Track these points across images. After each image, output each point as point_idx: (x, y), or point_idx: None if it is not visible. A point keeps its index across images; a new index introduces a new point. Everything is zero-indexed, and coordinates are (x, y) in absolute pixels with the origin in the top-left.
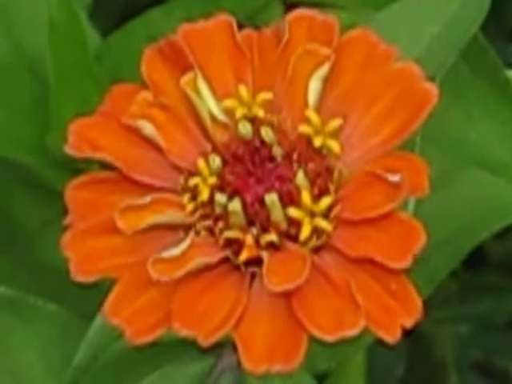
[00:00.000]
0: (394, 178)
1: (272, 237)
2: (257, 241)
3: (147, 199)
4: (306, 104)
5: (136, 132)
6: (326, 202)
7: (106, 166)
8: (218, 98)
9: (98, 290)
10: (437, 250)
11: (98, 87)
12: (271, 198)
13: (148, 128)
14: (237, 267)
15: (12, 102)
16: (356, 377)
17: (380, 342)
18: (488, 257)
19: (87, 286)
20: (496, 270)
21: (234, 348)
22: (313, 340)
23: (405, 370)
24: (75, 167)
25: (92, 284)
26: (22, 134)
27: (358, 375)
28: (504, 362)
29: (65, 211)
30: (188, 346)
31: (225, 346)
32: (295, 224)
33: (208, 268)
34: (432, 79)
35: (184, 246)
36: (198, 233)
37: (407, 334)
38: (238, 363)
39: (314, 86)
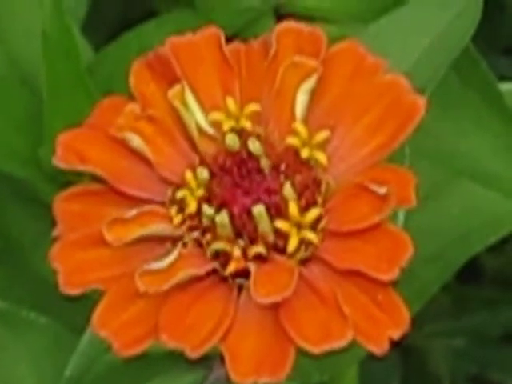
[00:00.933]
0: (381, 189)
1: (259, 249)
2: (244, 253)
3: (135, 212)
4: (293, 116)
5: (124, 144)
6: (313, 213)
7: (96, 178)
8: (206, 111)
9: (91, 303)
10: (428, 264)
11: (90, 100)
12: (258, 210)
13: (135, 140)
14: (224, 279)
15: (6, 114)
16: None
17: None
18: (482, 270)
19: (78, 299)
20: (490, 283)
21: (223, 360)
22: (302, 352)
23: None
24: (68, 180)
25: (82, 296)
26: (16, 146)
27: None
28: (499, 375)
29: (55, 224)
30: (179, 358)
31: (215, 358)
32: (283, 236)
33: (196, 280)
34: (422, 91)
35: (171, 257)
36: (185, 245)
37: (401, 347)
38: (228, 375)
39: (302, 98)
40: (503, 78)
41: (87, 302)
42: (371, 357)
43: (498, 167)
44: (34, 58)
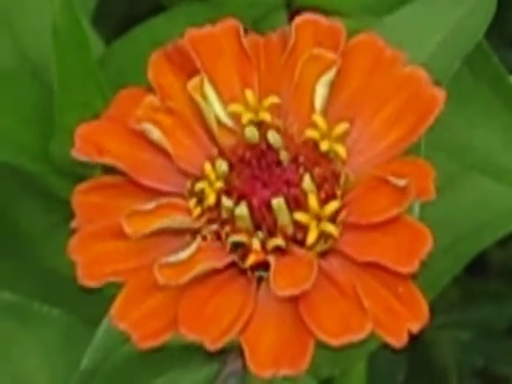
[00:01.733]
0: (401, 182)
1: (279, 241)
2: (263, 245)
3: (154, 204)
4: (312, 109)
5: (142, 136)
6: (332, 206)
7: (108, 171)
8: (225, 103)
9: (102, 296)
10: (440, 256)
11: (101, 93)
12: (278, 203)
13: (154, 132)
14: (243, 272)
15: (16, 108)
16: (358, 382)
17: (382, 348)
18: (490, 263)
19: (92, 292)
20: (498, 276)
21: (240, 353)
22: (319, 345)
23: (406, 376)
24: (78, 173)
25: (96, 289)
26: (26, 140)
27: (360, 381)
28: (505, 368)
29: (69, 217)
30: (194, 351)
31: (229, 352)
32: (302, 228)
33: (215, 272)
34: (437, 85)
35: (190, 250)
36: (204, 237)
37: (410, 339)
38: (243, 369)
39: (321, 91)
40: (511, 71)
41: (97, 295)
42: (378, 349)
43: (508, 161)
44: (45, 51)
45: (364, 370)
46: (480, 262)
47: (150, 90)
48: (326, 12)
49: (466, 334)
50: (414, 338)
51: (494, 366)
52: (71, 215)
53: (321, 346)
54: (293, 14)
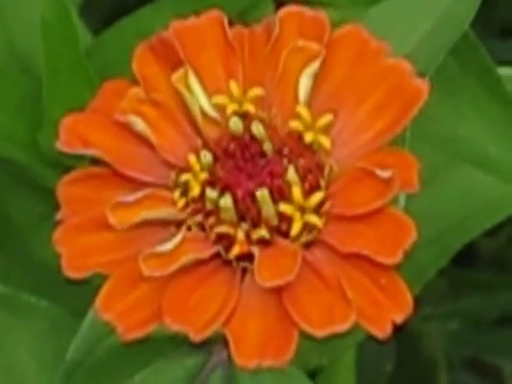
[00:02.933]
0: (385, 173)
1: (263, 232)
2: (248, 236)
3: (138, 195)
4: (296, 100)
5: (127, 128)
6: (316, 197)
7: (95, 162)
8: (209, 94)
9: (91, 287)
10: (426, 248)
11: (89, 85)
12: (262, 194)
13: (139, 124)
14: (228, 263)
15: (5, 100)
16: (346, 373)
17: (370, 339)
18: (478, 253)
19: (80, 283)
20: (486, 266)
21: (225, 344)
22: (304, 336)
23: (394, 367)
24: (67, 164)
25: (83, 280)
26: (15, 132)
27: (349, 371)
28: (494, 358)
29: (57, 208)
30: (180, 342)
31: (215, 342)
32: (286, 219)
33: (199, 263)
34: (423, 75)
35: (175, 241)
36: (189, 228)
37: (397, 330)
38: (229, 359)
39: (305, 82)
40: (499, 61)
41: (87, 286)
42: (366, 340)
43: (496, 152)
44: (33, 43)
45: (352, 361)
46: (468, 252)
47: (134, 81)
48: (312, 3)
49: (454, 325)
50: (402, 329)
51: (483, 356)
52: (58, 206)
53: (307, 336)
54: (280, 5)
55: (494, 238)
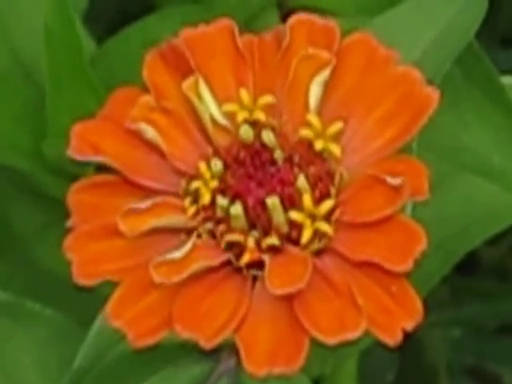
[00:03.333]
0: (395, 181)
1: (273, 240)
2: (258, 244)
3: (149, 202)
4: (306, 108)
5: (138, 135)
6: (327, 205)
7: (101, 170)
8: (220, 102)
9: (94, 296)
10: (430, 255)
11: (93, 93)
12: (272, 202)
13: (150, 132)
14: (238, 270)
15: (8, 108)
16: (348, 380)
17: (372, 346)
18: (480, 262)
19: (85, 291)
20: (488, 275)
21: (233, 351)
22: (314, 343)
23: (396, 374)
24: (71, 173)
25: (90, 288)
26: (18, 140)
27: (351, 379)
28: (495, 366)
29: (61, 216)
30: (188, 349)
31: (223, 350)
32: (296, 227)
33: (210, 271)
34: (431, 84)
35: (186, 249)
36: (199, 236)
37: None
38: (236, 367)
39: (315, 90)
40: (501, 71)
41: (90, 294)
42: (368, 348)
43: (499, 160)
44: (37, 51)
45: (354, 369)
46: (470, 260)
47: (144, 89)
48: (318, 12)
49: (456, 332)
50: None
51: (485, 364)
52: (64, 214)
53: (313, 343)
54: (285, 14)
55: (496, 246)
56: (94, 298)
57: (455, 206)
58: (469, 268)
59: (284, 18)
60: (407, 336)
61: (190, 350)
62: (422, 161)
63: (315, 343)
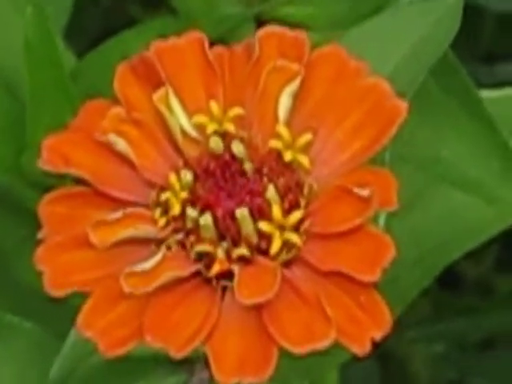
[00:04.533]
0: (364, 192)
1: (243, 251)
2: (228, 254)
3: (119, 214)
4: (276, 119)
5: (108, 147)
6: (296, 216)
7: (79, 182)
8: (190, 114)
9: (74, 309)
10: (408, 269)
11: (73, 107)
12: (242, 213)
13: (120, 143)
14: (208, 281)
15: None
16: None
17: (352, 362)
18: (462, 277)
19: (62, 302)
20: (470, 290)
21: (206, 363)
22: (286, 355)
23: None
24: (50, 186)
25: (65, 300)
26: None
27: None
28: (478, 381)
29: (39, 227)
30: (161, 362)
31: (196, 361)
32: (266, 238)
33: (180, 281)
34: (402, 96)
35: (156, 259)
36: (169, 247)
37: (381, 353)
38: (209, 379)
39: (285, 102)
40: (482, 85)
41: (70, 308)
42: (350, 363)
43: (477, 173)
44: (16, 65)
45: None
46: (453, 275)
47: (116, 101)
48: (293, 26)
49: (439, 348)
50: (386, 352)
51: (468, 379)
52: (40, 225)
53: (290, 357)
54: (260, 25)
55: (478, 261)
56: (72, 311)
57: (433, 220)
58: (452, 283)
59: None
60: (384, 350)
61: (163, 362)
62: (399, 174)
63: (291, 356)
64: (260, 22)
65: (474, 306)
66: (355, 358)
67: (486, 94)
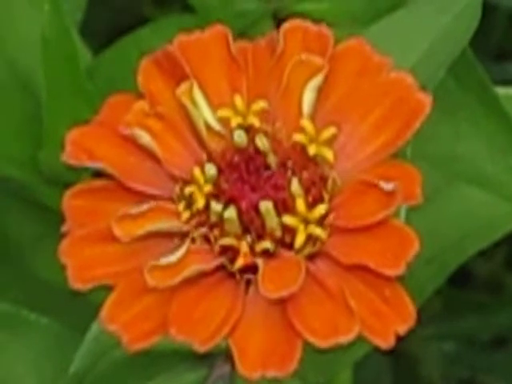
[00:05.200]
0: (388, 185)
1: (267, 244)
2: (252, 248)
3: (143, 207)
4: (300, 113)
5: (132, 141)
6: (320, 209)
7: (98, 177)
8: (214, 108)
9: (90, 305)
10: (423, 267)
11: (90, 103)
12: (266, 206)
13: (144, 137)
14: (232, 274)
15: (4, 118)
16: None
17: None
18: (474, 274)
19: (79, 297)
20: (481, 287)
21: (227, 358)
22: (306, 350)
23: None
24: (67, 182)
25: (84, 294)
26: (15, 150)
27: None
28: (490, 379)
29: (57, 227)
30: (183, 356)
31: (217, 356)
32: (290, 231)
33: (204, 275)
34: (424, 90)
35: (180, 253)
36: (193, 240)
37: (392, 351)
38: (231, 373)
39: (309, 96)
40: (494, 83)
41: (86, 303)
42: (363, 360)
43: (494, 170)
44: (33, 61)
45: (349, 382)
46: (464, 273)
47: (139, 96)
48: (312, 21)
49: (450, 346)
50: (397, 350)
51: (479, 377)
52: (60, 225)
53: (308, 351)
54: (280, 22)
55: (489, 258)
56: (89, 307)
57: (450, 217)
58: (462, 281)
59: (279, 27)
60: (395, 350)
61: (185, 356)
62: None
63: (311, 351)
64: (277, 19)
65: (485, 303)
66: (368, 356)
67: (500, 90)
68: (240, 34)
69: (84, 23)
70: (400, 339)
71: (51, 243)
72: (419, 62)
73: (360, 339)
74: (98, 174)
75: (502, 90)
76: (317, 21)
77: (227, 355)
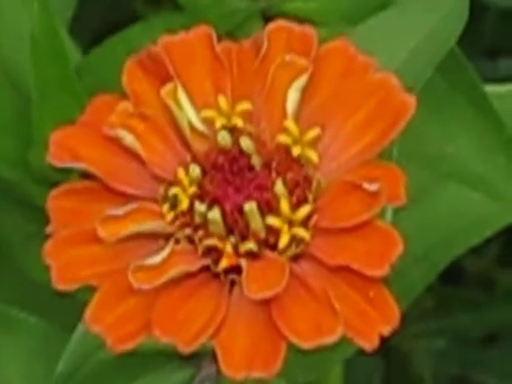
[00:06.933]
0: (372, 186)
1: (251, 245)
2: (236, 249)
3: (128, 208)
4: (284, 114)
5: (116, 142)
6: (304, 210)
7: (85, 177)
8: (198, 109)
9: (80, 304)
10: (413, 265)
11: (79, 102)
12: (250, 207)
13: (128, 138)
14: (216, 275)
15: None
16: None
17: (358, 356)
18: (465, 271)
19: (68, 297)
20: (472, 284)
21: (213, 357)
22: (293, 350)
23: None
24: (56, 181)
25: (69, 294)
26: (4, 149)
27: None
28: (481, 376)
29: (47, 225)
30: (169, 356)
31: (204, 356)
32: (274, 232)
33: (188, 276)
34: (408, 92)
35: (164, 254)
36: (178, 241)
37: (383, 348)
38: (217, 373)
39: (293, 97)
40: (485, 81)
41: (76, 302)
42: (354, 358)
43: (483, 169)
44: (22, 60)
45: (340, 379)
46: (455, 270)
47: (124, 96)
48: (299, 21)
49: (441, 343)
50: (390, 347)
51: (470, 374)
52: (48, 220)
53: (296, 351)
54: (268, 21)
55: (481, 255)
56: (79, 306)
57: (439, 216)
58: (454, 278)
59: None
60: (388, 345)
61: (171, 357)
62: (405, 170)
63: (296, 350)
64: (266, 18)
65: (476, 300)
66: (359, 353)
67: (489, 89)
68: (229, 34)
69: (75, 19)
70: (385, 340)
71: (41, 243)
72: (406, 62)
73: (346, 339)
74: (87, 174)
75: (493, 88)
76: (305, 20)
77: (213, 356)
